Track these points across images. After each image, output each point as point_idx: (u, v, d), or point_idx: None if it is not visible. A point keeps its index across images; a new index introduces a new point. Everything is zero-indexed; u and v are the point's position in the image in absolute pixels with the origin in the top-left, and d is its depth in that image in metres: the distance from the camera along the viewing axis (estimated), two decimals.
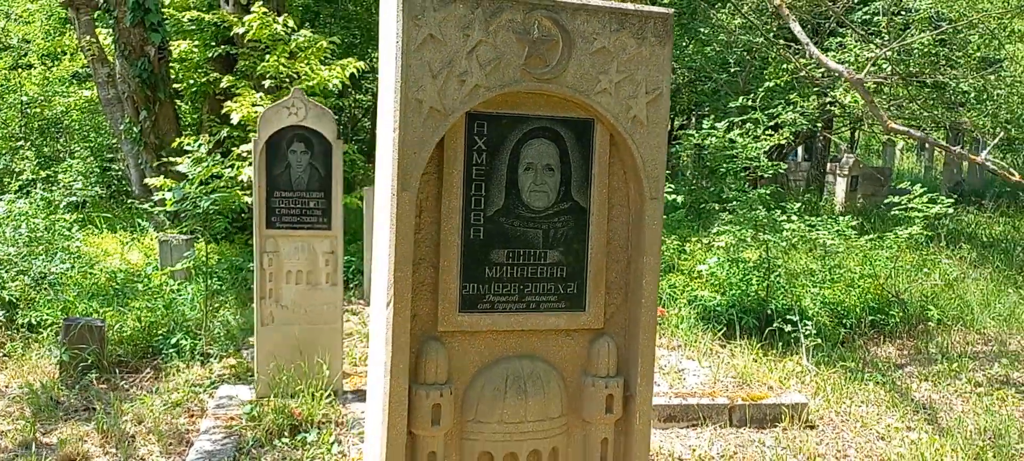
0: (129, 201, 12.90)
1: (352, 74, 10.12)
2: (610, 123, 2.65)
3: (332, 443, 5.24)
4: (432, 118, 2.47)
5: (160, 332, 7.40)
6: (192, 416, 5.99)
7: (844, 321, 8.59)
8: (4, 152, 13.52)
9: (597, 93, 2.62)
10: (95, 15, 12.32)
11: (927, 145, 30.80)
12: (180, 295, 8.16)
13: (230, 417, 5.74)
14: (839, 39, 14.17)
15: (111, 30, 11.67)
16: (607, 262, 2.76)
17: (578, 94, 2.60)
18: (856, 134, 27.78)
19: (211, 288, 8.22)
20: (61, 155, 14.26)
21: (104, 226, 11.77)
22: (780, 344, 7.82)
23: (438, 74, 2.46)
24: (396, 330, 2.49)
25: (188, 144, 7.53)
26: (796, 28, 7.58)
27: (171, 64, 11.61)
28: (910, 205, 9.05)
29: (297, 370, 5.96)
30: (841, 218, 9.78)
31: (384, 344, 2.51)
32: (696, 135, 12.75)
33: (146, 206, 9.53)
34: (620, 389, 2.76)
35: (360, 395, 6.31)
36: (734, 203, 8.96)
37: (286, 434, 5.36)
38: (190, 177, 7.39)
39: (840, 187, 17.88)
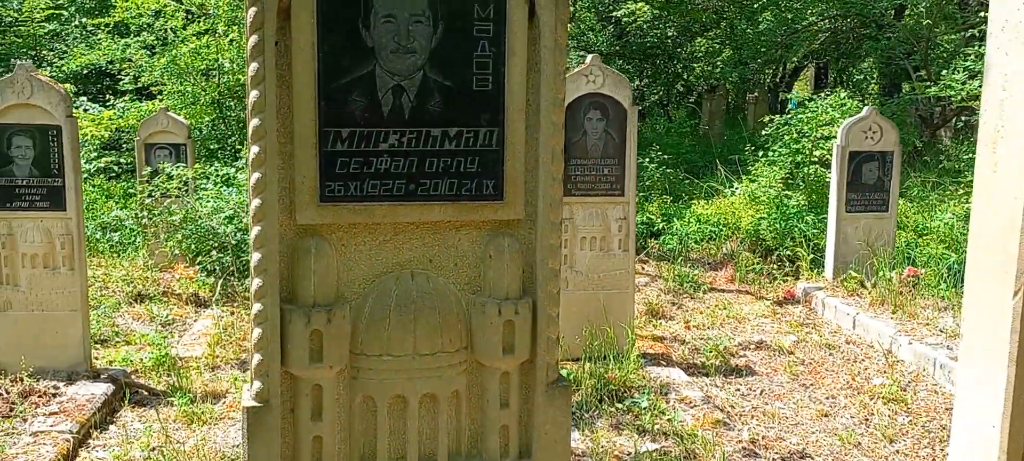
0: None
1: None
2: None
3: (665, 409, 5.30)
4: None
5: None
6: None
7: None
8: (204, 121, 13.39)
9: None
10: None
11: None
12: None
13: None
14: None
15: None
16: None
17: None
18: None
19: None
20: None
21: None
22: None
23: None
24: None
25: None
26: None
27: None
28: None
29: (602, 334, 6.03)
30: None
31: (1011, 332, 2.53)
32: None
33: None
34: None
35: (651, 359, 6.35)
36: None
37: (610, 399, 5.42)
38: None
39: None
